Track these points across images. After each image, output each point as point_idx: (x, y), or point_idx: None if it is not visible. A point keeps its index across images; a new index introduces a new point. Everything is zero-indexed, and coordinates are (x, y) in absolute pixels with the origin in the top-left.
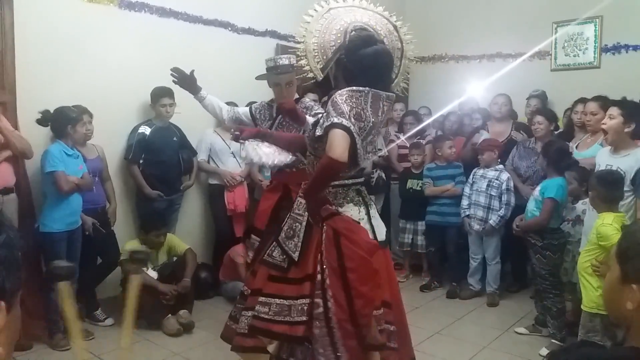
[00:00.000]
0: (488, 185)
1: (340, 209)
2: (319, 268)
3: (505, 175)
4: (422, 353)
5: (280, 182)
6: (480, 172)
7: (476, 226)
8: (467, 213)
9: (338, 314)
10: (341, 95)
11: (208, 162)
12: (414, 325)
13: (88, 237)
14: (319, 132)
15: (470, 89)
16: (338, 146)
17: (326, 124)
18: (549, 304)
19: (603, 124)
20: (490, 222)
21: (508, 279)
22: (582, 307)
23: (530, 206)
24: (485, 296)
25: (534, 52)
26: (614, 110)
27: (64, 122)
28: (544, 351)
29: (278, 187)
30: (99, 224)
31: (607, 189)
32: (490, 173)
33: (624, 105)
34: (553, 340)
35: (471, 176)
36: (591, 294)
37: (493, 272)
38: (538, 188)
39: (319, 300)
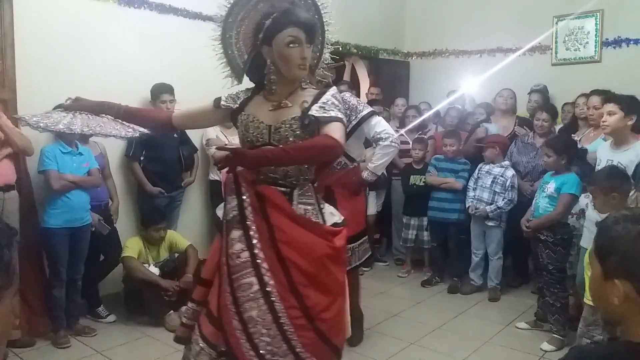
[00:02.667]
0: (493, 182)
1: (323, 209)
2: (243, 245)
3: (510, 172)
4: (423, 348)
5: (323, 184)
6: (486, 167)
7: (474, 210)
8: (473, 203)
9: (277, 286)
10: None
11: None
12: (416, 321)
13: (91, 234)
14: (319, 113)
15: (471, 84)
16: (343, 138)
17: (334, 113)
18: (553, 300)
19: (604, 121)
20: (487, 208)
21: (509, 274)
22: (584, 300)
23: (543, 203)
24: (486, 291)
25: (534, 47)
26: (611, 107)
27: None
28: (546, 346)
29: (319, 188)
30: (104, 220)
31: (628, 181)
32: (496, 169)
33: (621, 99)
34: (555, 335)
35: (476, 171)
36: None
37: (495, 267)
38: (552, 184)
39: (252, 279)
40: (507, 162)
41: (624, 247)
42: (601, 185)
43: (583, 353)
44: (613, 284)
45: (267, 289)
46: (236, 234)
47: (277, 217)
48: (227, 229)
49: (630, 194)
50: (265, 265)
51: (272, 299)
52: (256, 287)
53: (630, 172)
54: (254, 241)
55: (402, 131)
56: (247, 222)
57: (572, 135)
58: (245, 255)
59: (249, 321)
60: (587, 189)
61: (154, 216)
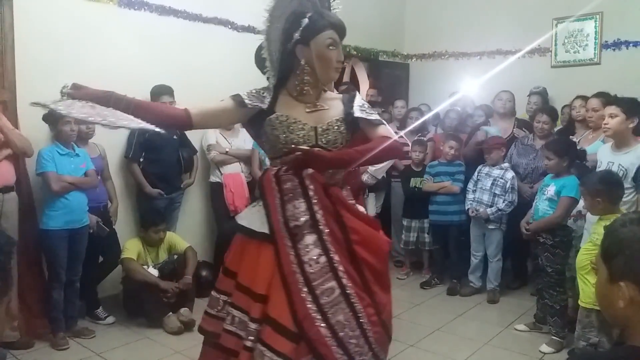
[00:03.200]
0: (493, 184)
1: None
2: (319, 250)
3: (510, 174)
4: (422, 350)
5: None
6: (486, 170)
7: (475, 212)
8: (473, 205)
9: (354, 288)
10: None
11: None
12: (414, 322)
13: (90, 236)
14: (364, 115)
15: (471, 86)
16: None
17: (378, 116)
18: (552, 302)
19: (605, 124)
20: (487, 210)
21: (508, 276)
22: (579, 302)
23: (542, 205)
24: (485, 293)
25: (534, 49)
26: (613, 109)
27: (50, 122)
28: (545, 348)
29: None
30: (102, 222)
31: (617, 188)
32: (495, 171)
33: (622, 102)
34: (554, 337)
35: (476, 173)
36: (588, 290)
37: (494, 269)
38: (552, 187)
39: (332, 283)
40: (506, 164)
41: (631, 250)
42: (589, 188)
43: (586, 358)
44: (619, 286)
45: (347, 291)
46: (310, 239)
47: (350, 218)
48: (295, 235)
49: (631, 197)
50: (341, 267)
51: (351, 300)
52: (338, 290)
53: (631, 174)
54: (328, 244)
55: (402, 133)
56: (320, 226)
57: (570, 137)
58: (323, 259)
59: (337, 326)
60: (579, 189)
61: (154, 217)
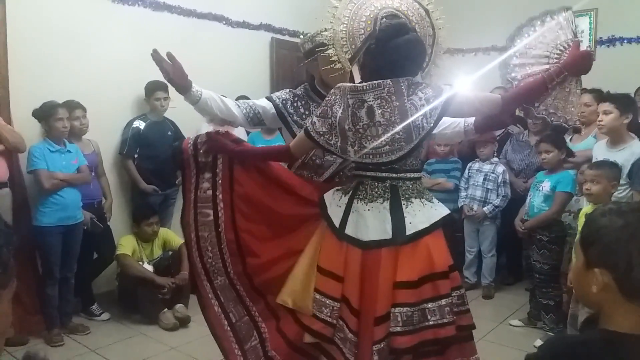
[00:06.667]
0: (485, 179)
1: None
2: None
3: (500, 168)
4: None
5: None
6: (476, 166)
7: (471, 212)
8: (466, 202)
9: None
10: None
11: None
12: None
13: (85, 232)
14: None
15: (465, 83)
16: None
17: None
18: (547, 299)
19: (600, 121)
20: (484, 209)
21: (503, 272)
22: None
23: (538, 201)
24: (480, 289)
25: None
26: (607, 106)
27: (41, 118)
28: (539, 343)
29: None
30: (96, 219)
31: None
32: (486, 167)
33: (616, 98)
34: (549, 333)
35: (466, 171)
36: None
37: (489, 264)
38: (547, 183)
39: None
40: (496, 159)
41: (607, 238)
42: (608, 174)
43: (556, 341)
44: (593, 272)
45: None
46: None
47: None
48: None
49: (626, 193)
50: None
51: None
52: None
53: (626, 171)
54: None
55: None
56: None
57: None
58: None
59: None
60: (589, 173)
61: (145, 211)
